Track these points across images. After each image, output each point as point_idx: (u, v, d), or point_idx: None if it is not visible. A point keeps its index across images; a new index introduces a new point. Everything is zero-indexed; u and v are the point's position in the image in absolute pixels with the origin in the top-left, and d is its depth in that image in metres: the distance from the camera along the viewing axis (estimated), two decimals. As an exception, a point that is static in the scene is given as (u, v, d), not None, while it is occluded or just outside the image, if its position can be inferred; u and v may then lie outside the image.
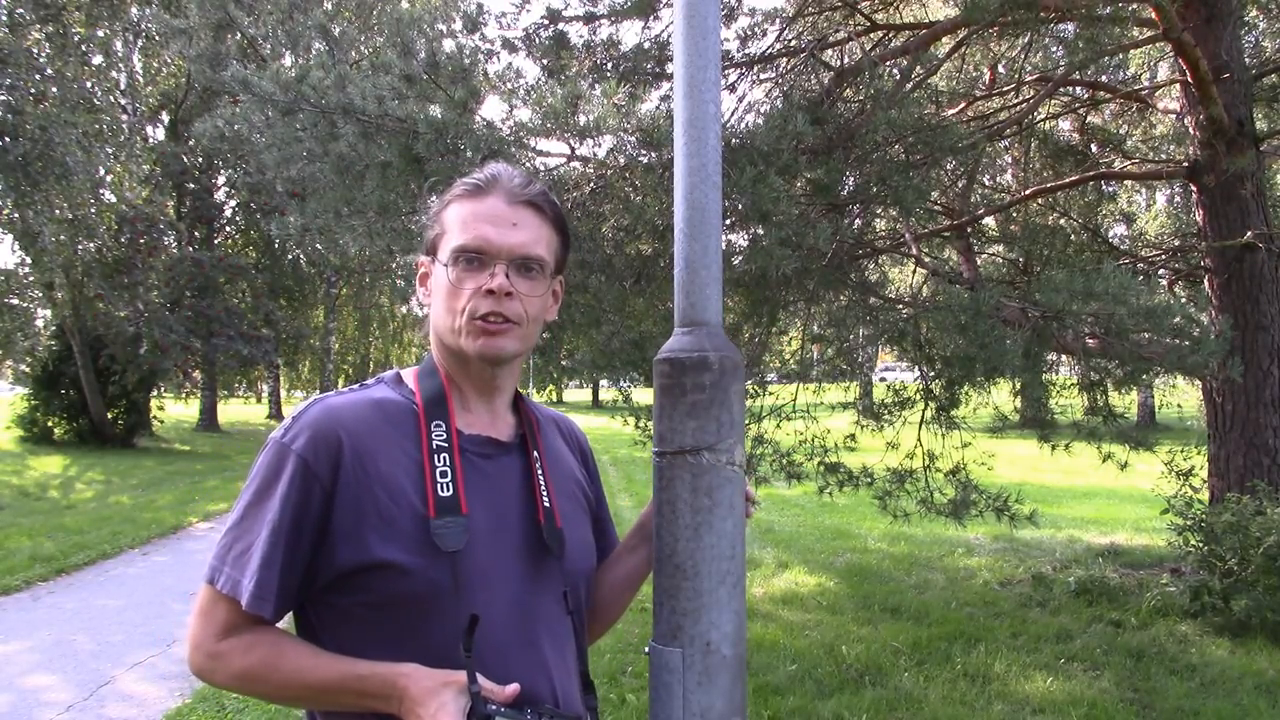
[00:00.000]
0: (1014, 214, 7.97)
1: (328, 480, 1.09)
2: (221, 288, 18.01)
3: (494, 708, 1.02)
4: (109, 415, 17.06)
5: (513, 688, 1.05)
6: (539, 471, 1.24)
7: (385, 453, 1.12)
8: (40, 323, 17.91)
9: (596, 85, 5.17)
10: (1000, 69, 7.90)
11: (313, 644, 1.12)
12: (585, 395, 47.91)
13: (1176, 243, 9.67)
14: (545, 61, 5.21)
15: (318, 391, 30.68)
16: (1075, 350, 5.18)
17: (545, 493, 1.23)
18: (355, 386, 1.22)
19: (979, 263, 7.73)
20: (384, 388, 1.22)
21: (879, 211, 6.36)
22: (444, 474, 1.12)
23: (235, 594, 1.08)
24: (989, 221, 8.19)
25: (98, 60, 16.98)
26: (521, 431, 1.27)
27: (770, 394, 6.57)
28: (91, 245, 16.32)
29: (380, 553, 1.07)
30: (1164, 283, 7.42)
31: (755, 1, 13.54)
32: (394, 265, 4.91)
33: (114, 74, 17.79)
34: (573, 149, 4.42)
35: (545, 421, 1.35)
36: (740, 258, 4.93)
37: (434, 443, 1.14)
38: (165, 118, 19.94)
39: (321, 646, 1.11)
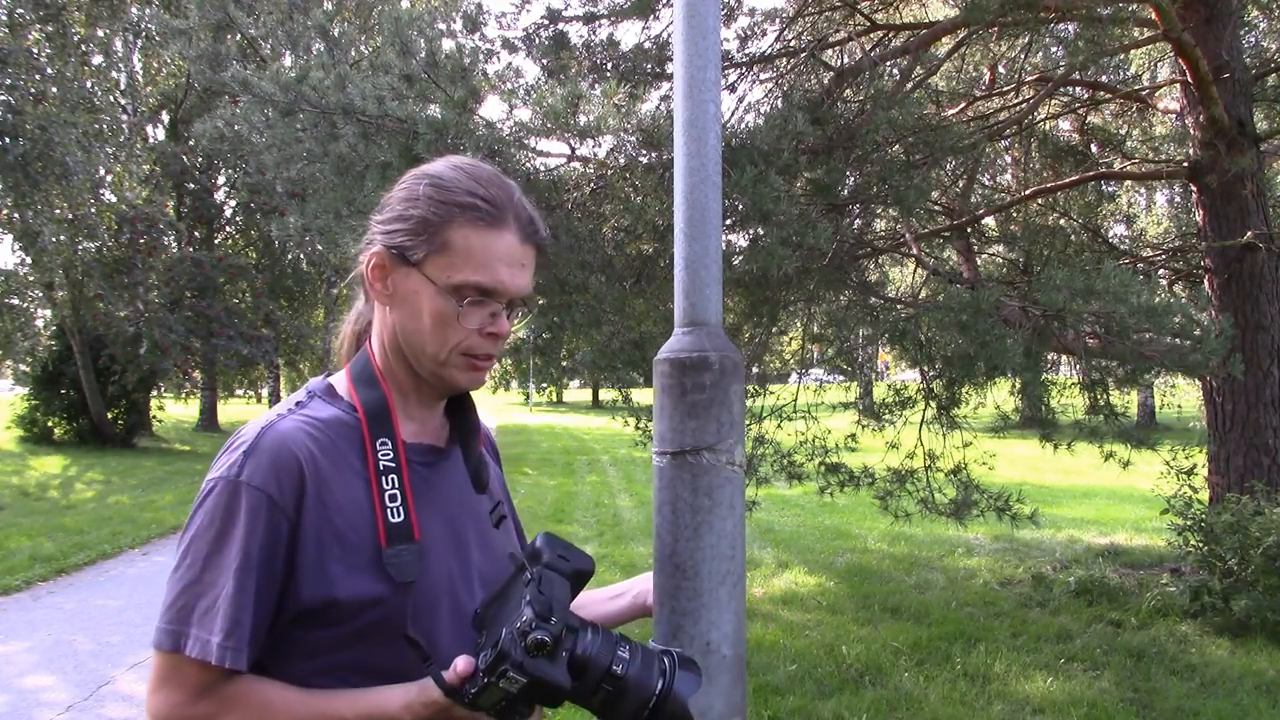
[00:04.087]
0: (1014, 214, 7.97)
1: (293, 513, 1.02)
2: (221, 288, 17.99)
3: (472, 691, 0.99)
4: (109, 415, 17.06)
5: (463, 662, 0.99)
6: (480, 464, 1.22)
7: (339, 478, 1.06)
8: (40, 323, 17.93)
9: (596, 85, 5.17)
10: (1000, 69, 7.90)
11: (282, 682, 1.06)
12: (585, 395, 47.91)
13: (1177, 243, 9.68)
14: (545, 61, 5.21)
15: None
16: (1076, 350, 5.18)
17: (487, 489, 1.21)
18: (292, 406, 1.13)
19: (979, 263, 7.74)
20: (322, 404, 1.13)
21: (879, 211, 6.36)
22: (393, 498, 1.06)
23: (205, 656, 0.98)
24: (989, 221, 8.19)
25: (98, 60, 16.98)
26: (454, 431, 1.24)
27: (770, 394, 6.57)
28: (91, 245, 16.32)
29: (344, 588, 1.03)
30: (1164, 283, 7.41)
31: (755, 1, 13.56)
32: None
33: (114, 74, 17.80)
34: (573, 149, 4.42)
35: None
36: (740, 258, 4.93)
37: (380, 463, 1.07)
38: (165, 118, 19.93)
39: (274, 677, 1.06)
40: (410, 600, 1.04)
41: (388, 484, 1.06)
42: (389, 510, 1.05)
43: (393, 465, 1.08)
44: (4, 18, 13.89)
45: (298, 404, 1.13)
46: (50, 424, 17.03)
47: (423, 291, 1.10)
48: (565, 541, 1.08)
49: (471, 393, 1.23)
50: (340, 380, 1.17)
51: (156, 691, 1.02)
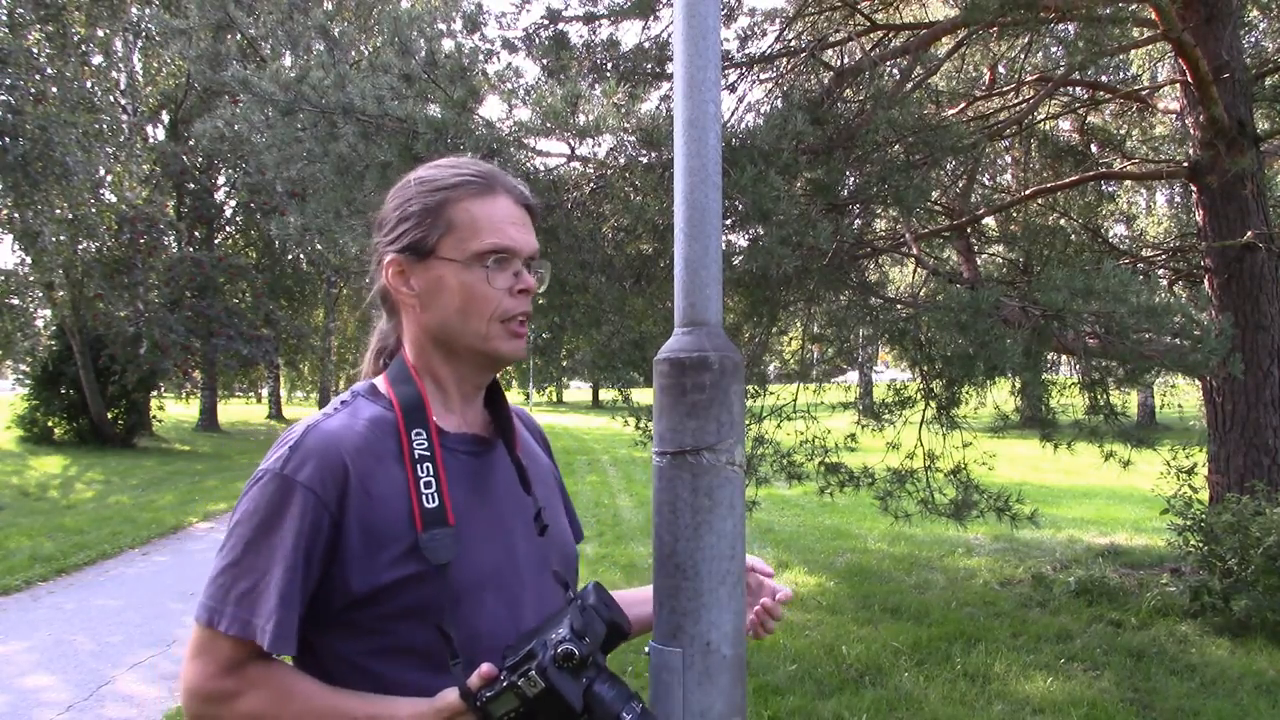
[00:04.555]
0: (1014, 214, 7.97)
1: (336, 509, 1.07)
2: (221, 288, 17.99)
3: (488, 694, 1.01)
4: (109, 415, 17.05)
5: (487, 666, 1.03)
6: (523, 461, 1.25)
7: (381, 472, 1.11)
8: (40, 323, 17.91)
9: (596, 85, 5.17)
10: (1000, 69, 7.90)
11: (312, 674, 1.10)
12: (585, 395, 47.92)
13: (1177, 243, 9.68)
14: (545, 61, 5.21)
15: (317, 391, 30.60)
16: (1076, 350, 5.18)
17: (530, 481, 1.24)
18: (338, 405, 1.18)
19: (979, 263, 7.74)
20: (365, 403, 1.18)
21: (879, 211, 6.36)
22: (428, 484, 1.10)
23: (247, 635, 1.04)
24: (989, 221, 8.19)
25: (98, 60, 16.98)
26: (495, 424, 1.27)
27: (770, 394, 6.56)
28: (91, 245, 16.31)
29: (390, 573, 1.07)
30: (1164, 283, 7.41)
31: (755, 1, 13.56)
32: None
33: (114, 74, 17.79)
34: (572, 149, 4.43)
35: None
36: (740, 258, 4.93)
37: (415, 452, 1.12)
38: (165, 118, 19.94)
39: (326, 665, 1.11)
40: (449, 583, 1.08)
41: (422, 471, 1.11)
42: (424, 496, 1.09)
43: (427, 454, 1.12)
44: (4, 18, 13.88)
45: (343, 403, 1.19)
46: (50, 424, 17.02)
47: (446, 274, 1.16)
48: (611, 597, 1.12)
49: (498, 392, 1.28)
50: (381, 381, 1.22)
51: (191, 660, 1.07)
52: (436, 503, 1.10)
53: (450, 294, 1.16)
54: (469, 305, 1.15)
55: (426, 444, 1.13)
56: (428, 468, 1.11)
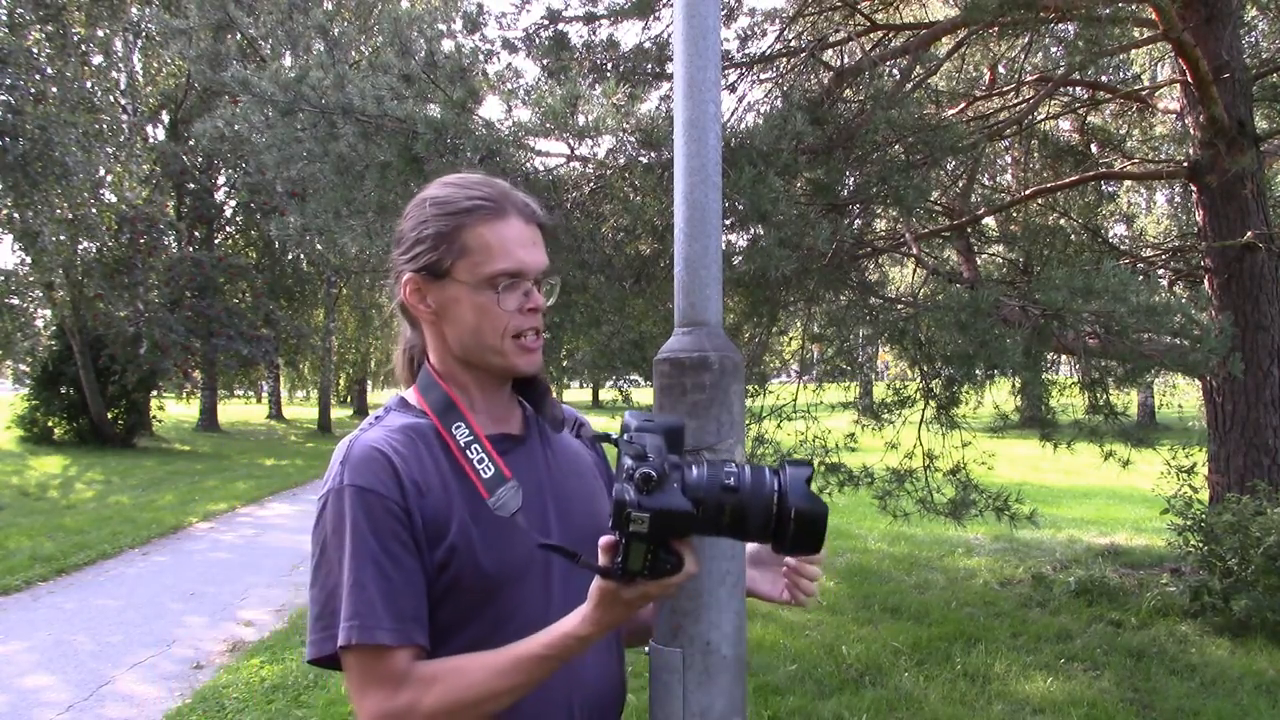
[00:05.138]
0: (1014, 214, 7.96)
1: (397, 496, 1.13)
2: (221, 288, 17.99)
3: (620, 560, 1.00)
4: (109, 415, 17.05)
5: (604, 540, 1.03)
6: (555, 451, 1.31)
7: (421, 470, 1.17)
8: (40, 323, 17.90)
9: (596, 85, 5.17)
10: (1000, 69, 7.89)
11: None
12: (585, 395, 47.91)
13: (1176, 243, 9.67)
14: (545, 62, 5.20)
15: (317, 391, 30.56)
16: (1076, 350, 5.17)
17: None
18: (373, 420, 1.25)
19: (979, 263, 7.73)
20: (397, 414, 1.25)
21: (879, 211, 6.36)
22: (480, 460, 1.17)
23: (376, 640, 1.07)
24: (989, 221, 8.18)
25: (98, 60, 16.98)
26: (527, 419, 1.33)
27: (770, 394, 6.56)
28: (91, 245, 16.31)
29: (443, 555, 1.13)
30: (1164, 283, 7.41)
31: (755, 1, 13.54)
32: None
33: (114, 74, 17.80)
34: (572, 149, 4.42)
35: None
36: (740, 258, 4.93)
37: (460, 441, 1.18)
38: (165, 118, 19.94)
39: None
40: (516, 536, 1.15)
41: (472, 453, 1.18)
42: (480, 470, 1.16)
43: (472, 439, 1.19)
44: (4, 18, 13.88)
45: (376, 418, 1.26)
46: (50, 424, 17.01)
47: (460, 295, 1.22)
48: (649, 412, 1.14)
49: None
50: (410, 394, 1.29)
51: (362, 698, 1.09)
52: (493, 470, 1.16)
53: (464, 313, 1.22)
54: (481, 324, 1.21)
55: (469, 432, 1.20)
56: (476, 449, 1.18)
